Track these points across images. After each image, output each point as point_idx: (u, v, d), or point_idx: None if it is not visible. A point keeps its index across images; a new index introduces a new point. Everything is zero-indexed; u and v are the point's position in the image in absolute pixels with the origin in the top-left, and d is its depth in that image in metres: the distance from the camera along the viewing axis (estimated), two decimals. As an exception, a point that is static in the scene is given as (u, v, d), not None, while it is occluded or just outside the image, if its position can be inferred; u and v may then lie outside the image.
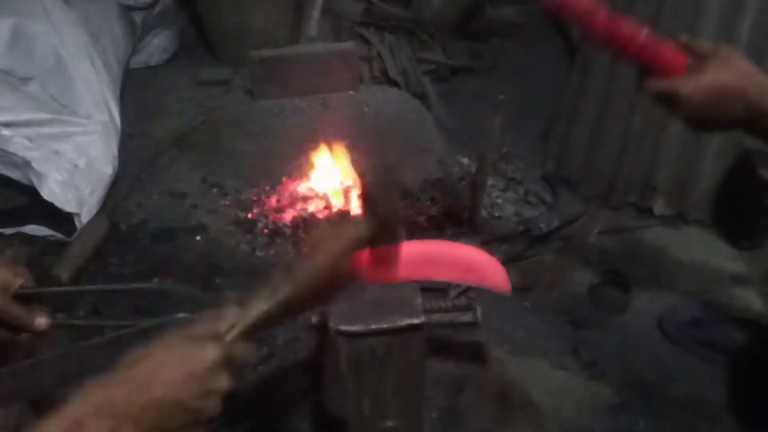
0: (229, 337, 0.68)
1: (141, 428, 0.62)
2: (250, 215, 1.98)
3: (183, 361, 0.65)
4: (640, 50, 1.00)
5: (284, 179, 2.08)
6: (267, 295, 0.72)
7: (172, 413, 0.63)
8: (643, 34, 1.00)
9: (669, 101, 0.99)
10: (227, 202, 2.06)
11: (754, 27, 1.67)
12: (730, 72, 0.96)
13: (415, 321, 0.97)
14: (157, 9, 2.80)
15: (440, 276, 1.02)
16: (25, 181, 1.90)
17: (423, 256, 1.02)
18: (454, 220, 1.95)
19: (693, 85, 0.96)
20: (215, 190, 2.12)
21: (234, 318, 0.70)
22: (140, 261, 1.86)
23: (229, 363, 0.67)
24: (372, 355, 1.00)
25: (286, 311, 0.73)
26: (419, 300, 1.00)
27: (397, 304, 0.99)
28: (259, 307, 0.71)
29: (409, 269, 1.00)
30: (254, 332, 0.71)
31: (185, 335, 0.67)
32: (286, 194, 2.04)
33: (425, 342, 1.02)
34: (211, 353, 0.66)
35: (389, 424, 1.08)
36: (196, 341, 0.66)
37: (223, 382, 0.66)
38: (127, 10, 2.65)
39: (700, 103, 0.96)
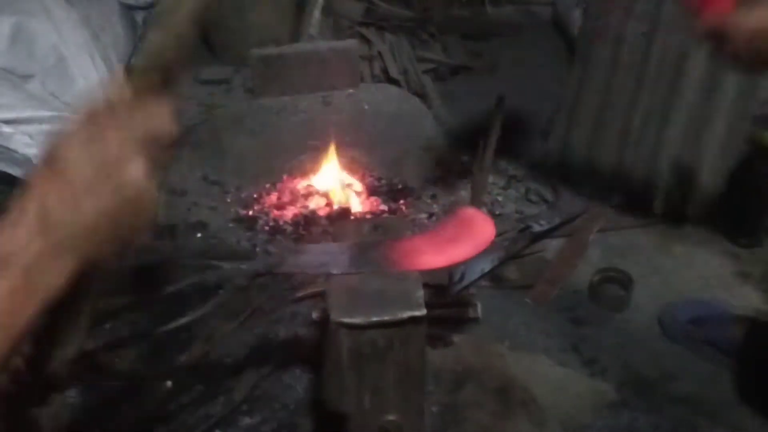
0: (123, 106, 0.56)
1: (72, 257, 0.53)
2: (250, 212, 1.98)
3: (81, 169, 0.54)
4: None
5: (285, 177, 2.08)
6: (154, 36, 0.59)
7: (95, 228, 0.54)
8: None
9: (719, 37, 0.99)
10: (228, 200, 2.06)
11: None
12: None
13: (417, 313, 0.97)
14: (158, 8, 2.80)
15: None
16: (25, 178, 1.91)
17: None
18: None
19: (744, 18, 0.96)
20: (216, 187, 2.12)
21: (120, 84, 0.57)
22: (140, 258, 1.86)
23: (139, 135, 0.56)
24: (373, 348, 0.99)
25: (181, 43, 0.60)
26: (421, 292, 1.00)
27: (399, 296, 0.99)
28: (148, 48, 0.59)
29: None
30: (160, 83, 0.59)
31: (72, 141, 0.55)
32: (287, 191, 2.04)
33: (426, 336, 1.02)
34: (108, 142, 0.54)
35: (390, 418, 1.08)
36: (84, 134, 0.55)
37: (138, 163, 0.55)
38: (128, 9, 2.66)
39: (751, 38, 0.95)
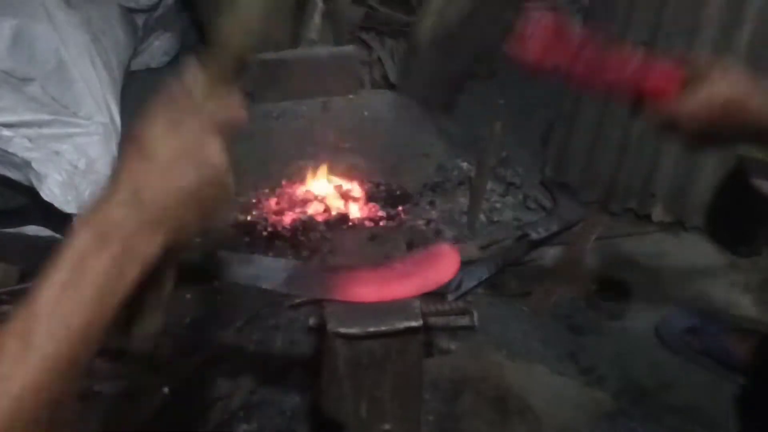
0: (199, 91, 0.62)
1: (163, 231, 0.59)
2: (248, 218, 1.98)
3: (166, 150, 0.59)
4: (631, 79, 0.97)
5: (284, 182, 2.08)
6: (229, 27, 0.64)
7: (182, 205, 0.60)
8: (632, 60, 0.96)
9: (670, 124, 0.96)
10: (226, 205, 2.05)
11: (753, 35, 1.67)
12: (729, 85, 0.93)
13: (414, 324, 0.97)
14: (158, 11, 2.80)
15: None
16: (25, 181, 1.91)
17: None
18: (453, 224, 1.96)
19: (692, 102, 0.93)
20: (214, 192, 2.11)
21: (196, 71, 0.62)
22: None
23: (215, 120, 0.62)
24: (370, 358, 1.00)
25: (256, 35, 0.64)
26: (417, 303, 1.00)
27: (396, 306, 0.99)
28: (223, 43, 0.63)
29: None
30: (232, 71, 0.63)
31: (156, 124, 0.61)
32: (286, 197, 2.04)
33: (423, 345, 1.02)
34: (188, 126, 0.60)
35: (387, 427, 1.08)
36: (168, 123, 0.61)
37: (215, 144, 0.61)
38: (128, 12, 2.66)
39: (702, 120, 0.93)
